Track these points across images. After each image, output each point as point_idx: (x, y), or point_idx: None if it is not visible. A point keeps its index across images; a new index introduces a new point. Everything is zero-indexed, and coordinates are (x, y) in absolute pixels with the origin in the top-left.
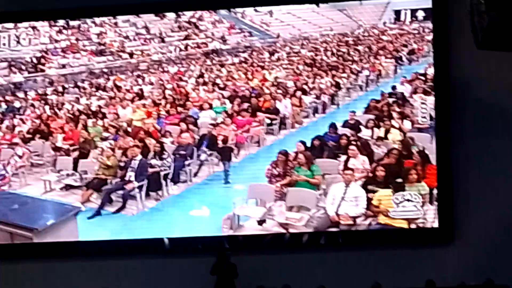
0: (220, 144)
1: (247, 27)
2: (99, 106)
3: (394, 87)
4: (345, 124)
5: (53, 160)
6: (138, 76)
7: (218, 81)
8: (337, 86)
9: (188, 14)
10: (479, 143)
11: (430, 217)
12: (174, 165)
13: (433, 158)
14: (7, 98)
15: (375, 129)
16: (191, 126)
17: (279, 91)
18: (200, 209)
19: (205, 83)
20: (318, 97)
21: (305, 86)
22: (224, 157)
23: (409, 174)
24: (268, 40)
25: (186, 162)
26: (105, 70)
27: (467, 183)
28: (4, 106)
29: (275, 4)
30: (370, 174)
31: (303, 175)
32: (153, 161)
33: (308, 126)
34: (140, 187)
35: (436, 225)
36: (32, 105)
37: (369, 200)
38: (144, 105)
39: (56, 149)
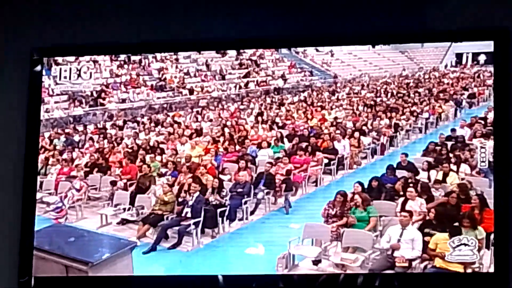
0: (282, 177)
1: (308, 66)
2: (157, 142)
3: (453, 130)
4: (398, 167)
5: (110, 194)
6: (198, 112)
7: (277, 119)
8: (396, 128)
9: (249, 52)
10: None
11: (486, 262)
12: (230, 202)
13: (491, 203)
14: (67, 131)
15: (434, 172)
16: (249, 164)
17: (338, 131)
18: (256, 247)
19: (264, 121)
20: (377, 139)
21: (364, 127)
22: (288, 187)
23: (465, 218)
24: (328, 80)
25: (243, 200)
26: (165, 105)
27: None
28: (63, 139)
29: (334, 45)
30: (427, 217)
31: (358, 216)
32: (211, 198)
33: (366, 167)
34: (196, 224)
35: (492, 270)
36: (91, 138)
37: (425, 243)
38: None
39: (114, 183)
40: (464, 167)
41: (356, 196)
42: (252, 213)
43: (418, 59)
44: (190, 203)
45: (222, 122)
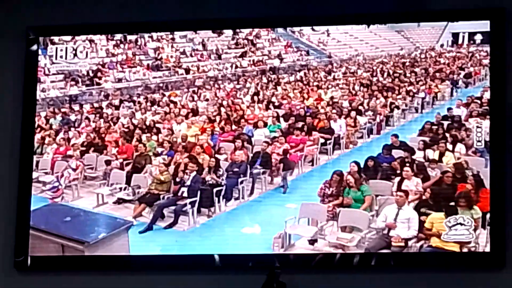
0: (278, 157)
1: (304, 46)
2: (154, 121)
3: (449, 110)
4: (390, 147)
5: (103, 174)
6: (194, 92)
7: (273, 99)
8: (392, 107)
9: (245, 31)
10: None
11: (482, 242)
12: (227, 182)
13: (487, 183)
14: (63, 110)
15: (430, 152)
16: (245, 144)
17: (334, 111)
18: (252, 226)
19: (260, 101)
20: (373, 118)
21: (360, 107)
22: (286, 166)
23: (461, 198)
24: (324, 59)
25: (239, 180)
26: (161, 85)
27: None
28: (59, 118)
29: (330, 24)
30: (423, 197)
31: (354, 196)
32: (207, 177)
33: (362, 147)
34: (192, 203)
35: (488, 249)
36: (87, 118)
37: (421, 222)
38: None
39: (108, 162)
40: (460, 147)
41: (349, 177)
42: (250, 193)
43: (415, 39)
44: (187, 182)
45: (218, 102)
